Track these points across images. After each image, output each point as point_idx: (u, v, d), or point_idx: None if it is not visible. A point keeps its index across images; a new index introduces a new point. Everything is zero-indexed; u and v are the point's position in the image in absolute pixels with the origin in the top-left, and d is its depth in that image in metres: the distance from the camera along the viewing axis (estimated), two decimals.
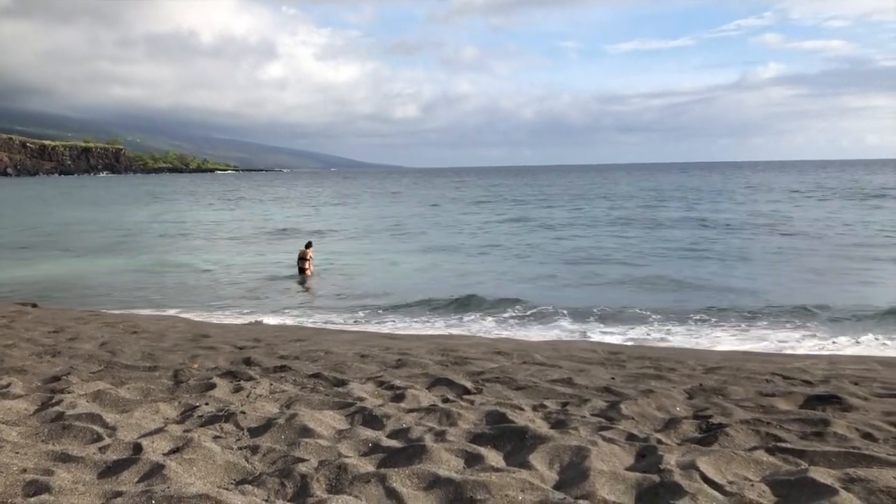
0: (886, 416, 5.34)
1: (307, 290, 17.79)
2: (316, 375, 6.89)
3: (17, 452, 4.45)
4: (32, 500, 3.65)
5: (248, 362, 7.62)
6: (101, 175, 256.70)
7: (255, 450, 4.58)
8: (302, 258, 19.85)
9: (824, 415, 5.35)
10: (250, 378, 6.73)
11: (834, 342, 11.08)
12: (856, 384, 6.73)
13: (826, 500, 3.55)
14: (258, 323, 13.00)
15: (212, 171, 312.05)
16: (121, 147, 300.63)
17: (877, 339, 11.25)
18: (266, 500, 3.74)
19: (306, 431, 4.93)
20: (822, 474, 3.89)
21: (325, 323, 13.15)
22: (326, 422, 5.20)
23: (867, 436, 4.81)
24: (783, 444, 4.57)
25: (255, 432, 4.99)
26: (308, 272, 19.64)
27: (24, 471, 4.11)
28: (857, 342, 11.07)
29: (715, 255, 22.49)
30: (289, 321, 13.32)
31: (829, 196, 52.66)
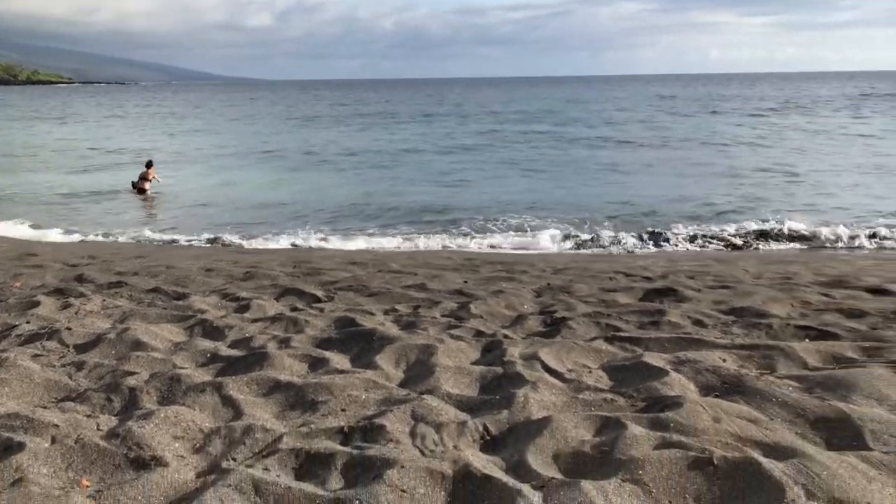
0: (716, 305, 5.65)
1: (148, 209, 16.83)
2: (155, 290, 6.50)
3: None
4: None
5: (79, 279, 7.08)
6: None
7: (80, 366, 4.24)
8: (143, 178, 18.77)
9: (661, 306, 5.61)
10: (81, 295, 6.25)
11: (676, 245, 11.70)
12: (691, 278, 7.10)
13: (657, 380, 3.68)
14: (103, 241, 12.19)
15: (45, 83, 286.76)
16: None
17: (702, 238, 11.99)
18: (89, 416, 3.46)
19: (139, 345, 4.61)
20: (654, 358, 4.04)
21: (167, 241, 12.49)
22: (162, 335, 4.89)
23: (698, 322, 5.07)
24: (621, 334, 4.73)
25: (81, 349, 4.62)
26: (147, 191, 18.60)
27: None
28: (693, 242, 11.75)
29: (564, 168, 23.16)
30: (125, 239, 12.56)
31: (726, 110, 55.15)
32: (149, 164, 19.21)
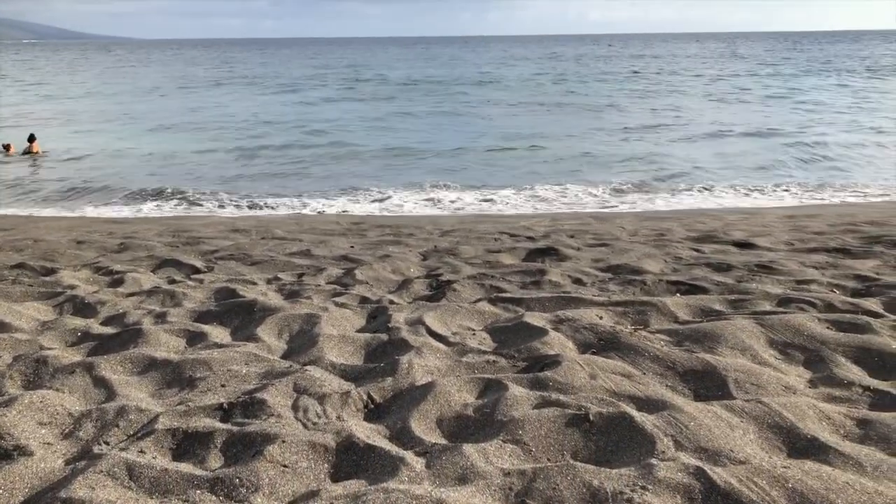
0: (594, 263, 5.83)
1: (22, 178, 15.75)
2: (19, 266, 6.10)
3: None
4: None
5: None
6: None
7: None
8: (27, 152, 17.77)
9: (542, 266, 5.73)
10: None
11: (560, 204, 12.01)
12: (571, 237, 7.30)
13: (537, 340, 3.78)
14: None
15: None
16: None
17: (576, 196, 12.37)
18: None
19: (1, 326, 4.33)
20: (536, 318, 4.14)
21: (36, 211, 11.77)
22: (28, 314, 4.61)
23: (577, 281, 5.23)
24: (504, 295, 4.81)
25: None
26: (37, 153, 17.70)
27: None
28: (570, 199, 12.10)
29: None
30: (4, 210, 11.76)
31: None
32: (31, 139, 18.14)
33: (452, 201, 12.26)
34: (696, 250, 6.38)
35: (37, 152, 18.06)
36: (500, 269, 5.64)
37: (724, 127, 21.58)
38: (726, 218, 9.38)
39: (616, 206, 11.64)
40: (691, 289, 4.90)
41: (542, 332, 3.88)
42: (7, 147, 18.38)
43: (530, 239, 7.21)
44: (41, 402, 3.15)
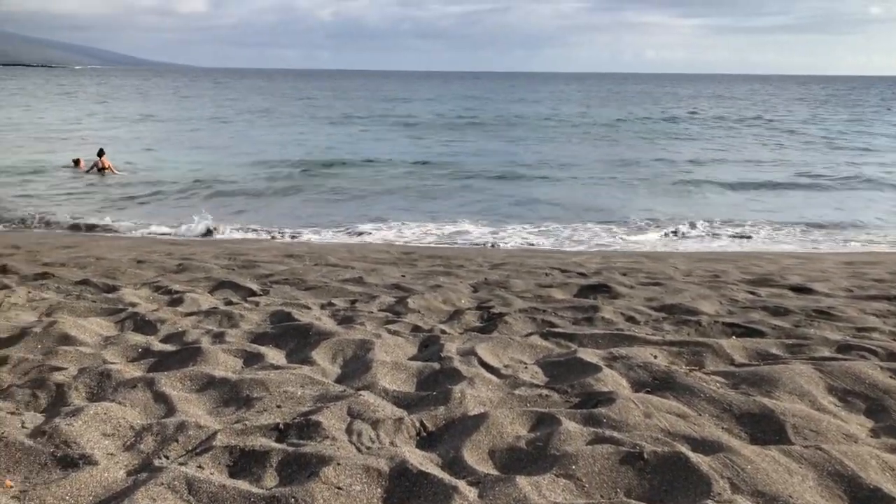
0: (648, 302, 5.79)
1: (104, 195, 16.31)
2: (83, 282, 6.30)
3: None
4: None
5: (3, 270, 6.82)
6: None
7: (3, 361, 4.09)
8: (96, 166, 18.51)
9: (594, 302, 5.72)
10: (4, 287, 6.02)
11: (614, 240, 11.96)
12: (624, 275, 7.26)
13: (591, 376, 3.76)
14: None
15: None
16: None
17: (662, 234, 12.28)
18: (13, 413, 3.34)
19: (67, 339, 4.47)
20: (588, 354, 4.13)
21: (104, 230, 12.14)
22: (91, 329, 4.76)
23: (630, 319, 5.19)
24: (556, 329, 4.81)
25: (5, 343, 4.45)
26: (113, 173, 18.51)
27: None
28: (632, 240, 12.02)
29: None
30: (67, 226, 12.19)
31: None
32: (100, 153, 18.88)
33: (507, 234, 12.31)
34: (752, 293, 6.29)
35: (107, 167, 18.72)
36: (552, 304, 5.64)
37: (794, 169, 21.29)
38: (782, 261, 9.22)
39: (668, 246, 11.54)
40: (747, 331, 4.83)
41: (595, 368, 3.86)
42: (77, 162, 19.20)
43: (582, 275, 7.20)
44: (105, 413, 3.24)
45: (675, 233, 12.52)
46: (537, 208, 15.05)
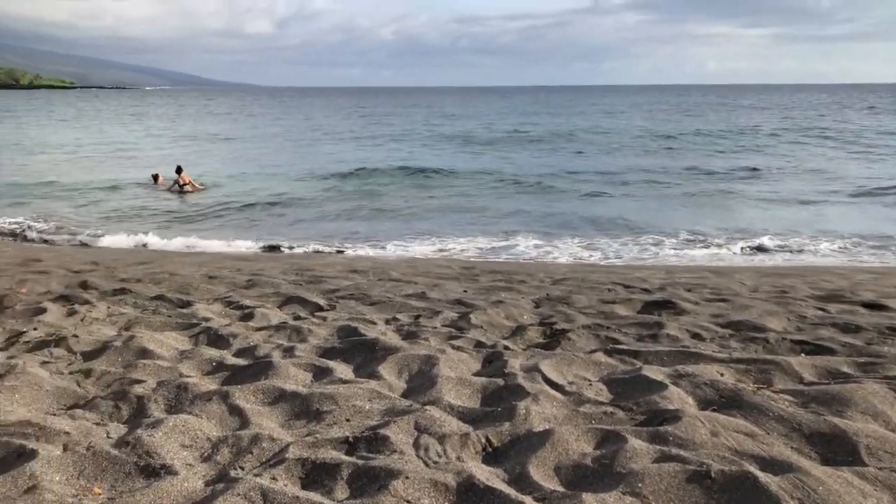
0: (713, 318, 5.72)
1: (178, 211, 16.91)
2: (159, 297, 6.56)
3: None
4: None
5: (84, 286, 7.14)
6: None
7: (87, 374, 4.31)
8: (177, 182, 19.26)
9: (659, 318, 5.68)
10: (86, 302, 6.31)
11: (676, 254, 11.80)
12: (689, 290, 7.18)
13: (656, 394, 3.75)
14: (141, 246, 12.25)
15: (47, 87, 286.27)
16: None
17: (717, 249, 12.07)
18: (98, 424, 3.53)
19: (145, 353, 4.68)
20: (654, 371, 4.11)
21: (184, 246, 12.56)
22: (168, 343, 4.97)
23: (696, 336, 5.14)
24: (620, 346, 4.80)
25: (88, 356, 4.69)
26: (194, 188, 19.32)
27: None
28: (693, 254, 11.84)
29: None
30: (140, 242, 12.65)
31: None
32: (178, 170, 19.62)
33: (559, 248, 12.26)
34: (822, 309, 6.15)
35: (186, 183, 19.40)
36: (615, 321, 5.62)
37: (863, 181, 20.67)
38: (854, 277, 8.97)
39: (733, 260, 11.34)
40: (817, 349, 4.74)
41: (660, 386, 3.85)
42: (156, 178, 19.99)
43: (645, 291, 7.14)
44: (183, 425, 3.39)
45: (740, 247, 12.27)
46: (597, 222, 14.95)
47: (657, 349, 4.68)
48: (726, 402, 3.66)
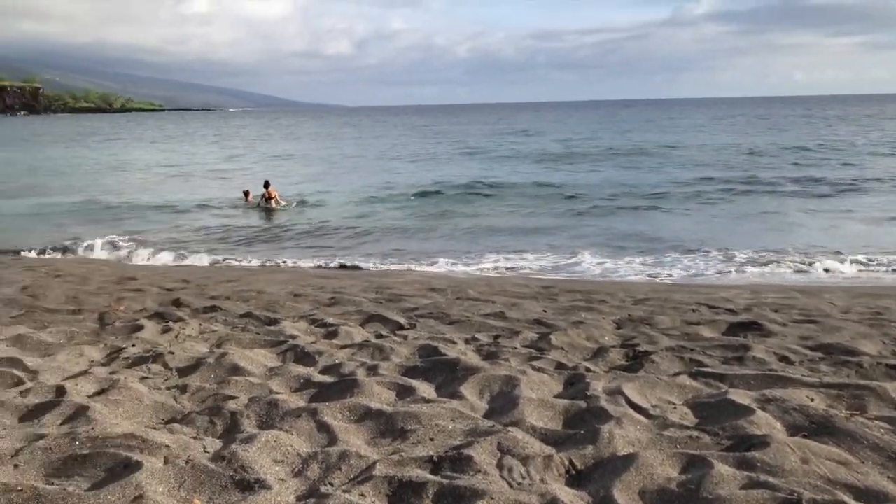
0: (802, 341, 5.57)
1: (264, 228, 17.48)
2: (247, 315, 6.80)
3: None
4: None
5: (177, 303, 7.47)
6: (20, 115, 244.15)
7: (183, 389, 4.51)
8: (265, 197, 20.03)
9: (745, 340, 5.56)
10: (179, 319, 6.60)
11: (761, 273, 11.48)
12: (776, 311, 6.99)
13: (743, 419, 3.69)
14: (219, 263, 12.76)
15: (137, 110, 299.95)
16: (38, 86, 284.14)
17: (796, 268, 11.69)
18: (195, 438, 3.70)
19: (236, 370, 4.87)
20: (740, 396, 4.04)
21: (261, 262, 12.97)
22: (257, 360, 5.15)
23: (784, 359, 5.02)
24: (705, 369, 4.73)
25: (183, 372, 4.91)
26: (278, 203, 20.09)
27: None
28: (778, 273, 11.49)
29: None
30: (228, 260, 13.12)
31: None
32: (266, 185, 20.35)
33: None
34: None
35: (272, 197, 20.12)
36: (700, 342, 5.54)
37: None
38: None
39: (822, 280, 10.95)
40: None
41: (747, 410, 3.79)
42: (246, 194, 20.83)
43: (730, 311, 7.00)
44: (275, 441, 3.52)
45: (830, 266, 11.81)
46: (673, 239, 14.63)
47: (743, 372, 4.59)
48: (817, 428, 3.58)
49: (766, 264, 11.96)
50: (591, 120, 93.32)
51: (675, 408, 4.01)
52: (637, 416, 3.83)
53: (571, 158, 36.11)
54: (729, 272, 11.56)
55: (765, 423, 3.64)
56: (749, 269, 11.74)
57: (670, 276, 11.47)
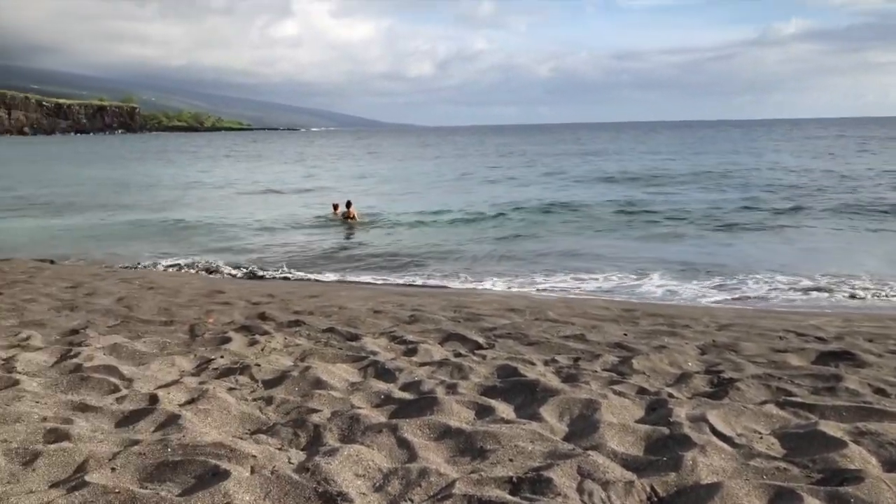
0: None
1: (345, 246, 17.88)
2: (329, 330, 6.95)
3: (38, 402, 4.54)
4: (52, 446, 3.73)
5: (262, 317, 7.69)
6: (117, 133, 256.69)
7: (269, 401, 4.65)
8: (346, 216, 20.72)
9: (836, 370, 5.36)
10: (265, 332, 6.80)
11: (853, 299, 11.02)
12: (870, 341, 6.71)
13: (835, 452, 3.56)
14: (285, 279, 13.12)
15: (227, 129, 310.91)
16: (135, 106, 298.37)
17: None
18: (280, 449, 3.81)
19: (319, 383, 4.99)
20: (832, 427, 3.90)
21: (343, 278, 13.23)
22: (339, 374, 5.27)
23: (879, 391, 4.81)
24: (794, 399, 4.58)
25: (269, 384, 5.07)
26: (355, 221, 20.91)
27: (45, 419, 4.20)
28: (871, 302, 11.00)
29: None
30: (311, 276, 13.45)
31: None
32: (348, 205, 21.23)
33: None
34: None
35: (352, 217, 20.87)
36: (788, 371, 5.36)
37: None
38: None
39: None
40: None
41: (839, 443, 3.65)
42: (335, 206, 21.75)
43: (820, 340, 6.75)
44: (357, 455, 3.59)
45: None
46: (764, 261, 14.19)
47: (835, 403, 4.43)
48: None
49: (858, 292, 11.46)
50: (673, 140, 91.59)
51: (761, 437, 3.90)
52: (721, 444, 3.74)
53: (651, 180, 35.49)
54: (818, 299, 11.14)
55: (858, 457, 3.51)
56: (839, 296, 11.28)
57: (754, 298, 11.13)
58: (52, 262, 14.24)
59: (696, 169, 41.05)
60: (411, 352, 6.08)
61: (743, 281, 12.48)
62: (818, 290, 11.70)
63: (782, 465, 3.49)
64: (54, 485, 3.36)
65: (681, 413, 4.22)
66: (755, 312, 9.68)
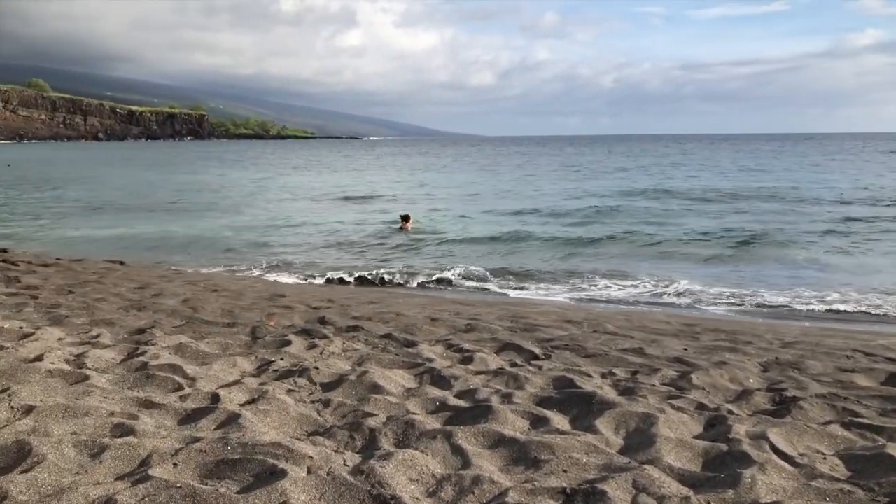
0: None
1: (403, 253, 18.06)
2: (387, 336, 7.02)
3: (106, 397, 4.70)
4: (119, 440, 3.86)
5: (322, 321, 7.82)
6: (186, 140, 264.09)
7: (326, 404, 4.73)
8: (402, 228, 21.18)
9: None
10: (324, 336, 6.91)
11: None
12: None
13: None
14: (343, 283, 13.32)
15: (291, 137, 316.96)
16: (204, 113, 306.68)
17: None
18: (336, 451, 3.87)
19: (376, 388, 5.05)
20: None
21: (400, 286, 13.34)
22: (396, 380, 5.32)
23: None
24: (860, 420, 4.44)
25: (327, 387, 5.15)
26: (407, 229, 21.44)
27: (112, 414, 4.35)
28: None
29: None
30: (365, 283, 13.61)
31: None
32: (405, 218, 21.90)
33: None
34: None
35: (408, 230, 21.50)
36: (854, 391, 5.20)
37: None
38: None
39: None
40: None
41: None
42: (403, 218, 22.12)
43: (890, 360, 6.52)
44: (411, 460, 3.63)
45: None
46: (832, 279, 13.75)
47: None
48: None
49: None
50: (740, 154, 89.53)
51: (824, 458, 3.80)
52: (782, 463, 3.65)
53: (716, 193, 34.77)
54: (889, 319, 10.76)
55: None
56: None
57: (819, 314, 10.81)
58: (121, 262, 14.73)
59: (766, 184, 40.03)
60: (467, 360, 6.10)
61: (811, 298, 12.14)
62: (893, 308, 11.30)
63: (846, 487, 3.39)
64: (119, 477, 3.48)
65: (740, 430, 4.14)
66: (821, 330, 9.40)
